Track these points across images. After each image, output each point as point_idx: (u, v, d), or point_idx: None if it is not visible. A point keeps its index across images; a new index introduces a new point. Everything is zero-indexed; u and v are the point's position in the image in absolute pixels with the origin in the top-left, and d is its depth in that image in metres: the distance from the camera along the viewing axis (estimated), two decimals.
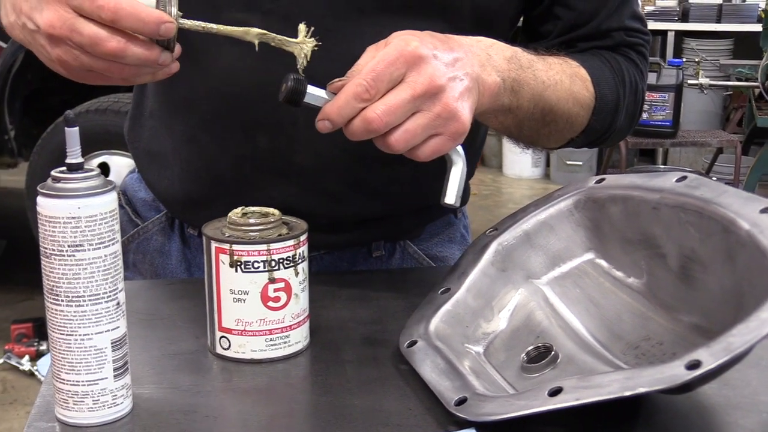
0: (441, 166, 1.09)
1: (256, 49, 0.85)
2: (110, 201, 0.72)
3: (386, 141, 0.84)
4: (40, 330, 3.23)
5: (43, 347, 3.21)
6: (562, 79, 1.01)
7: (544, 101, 0.98)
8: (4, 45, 3.47)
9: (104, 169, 3.40)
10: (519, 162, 5.96)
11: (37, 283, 0.73)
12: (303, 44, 0.85)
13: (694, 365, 0.64)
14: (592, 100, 1.05)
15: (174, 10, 0.82)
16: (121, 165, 3.37)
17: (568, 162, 5.71)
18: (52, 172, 0.72)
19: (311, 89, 0.85)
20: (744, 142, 4.69)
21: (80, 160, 0.72)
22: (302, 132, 1.01)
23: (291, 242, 0.85)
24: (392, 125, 0.83)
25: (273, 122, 1.02)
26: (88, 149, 3.35)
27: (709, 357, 0.64)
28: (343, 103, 0.83)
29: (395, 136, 0.83)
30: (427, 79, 0.83)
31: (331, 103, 0.83)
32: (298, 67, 0.85)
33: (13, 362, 3.17)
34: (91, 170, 0.72)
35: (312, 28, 0.85)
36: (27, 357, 3.18)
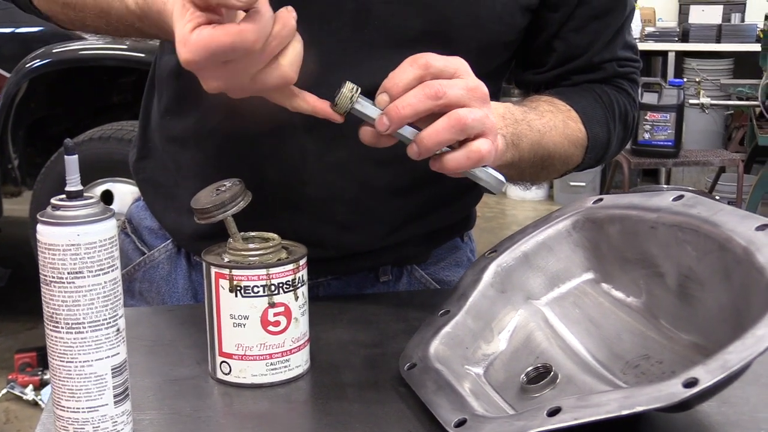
0: (449, 193, 1.11)
1: None
2: (109, 228, 0.73)
3: (454, 115, 0.82)
4: (44, 359, 3.22)
5: (47, 376, 3.17)
6: (556, 124, 1.03)
7: (542, 149, 1.01)
8: (7, 75, 3.49)
9: (108, 196, 3.42)
10: None
11: (41, 312, 0.73)
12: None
13: (691, 383, 0.64)
14: (585, 140, 1.08)
15: None
16: (125, 192, 3.38)
17: (572, 183, 5.71)
18: (52, 200, 0.72)
19: (362, 99, 0.84)
20: (746, 161, 4.70)
21: (79, 187, 0.73)
22: (311, 164, 1.02)
23: (290, 266, 0.85)
24: (450, 99, 0.82)
25: (281, 156, 1.02)
26: (91, 177, 3.36)
27: (706, 374, 0.64)
28: (399, 69, 0.83)
29: (460, 112, 0.82)
30: (476, 82, 0.84)
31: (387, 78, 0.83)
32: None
33: (16, 392, 3.16)
34: (90, 197, 0.73)
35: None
36: (31, 386, 3.17)
